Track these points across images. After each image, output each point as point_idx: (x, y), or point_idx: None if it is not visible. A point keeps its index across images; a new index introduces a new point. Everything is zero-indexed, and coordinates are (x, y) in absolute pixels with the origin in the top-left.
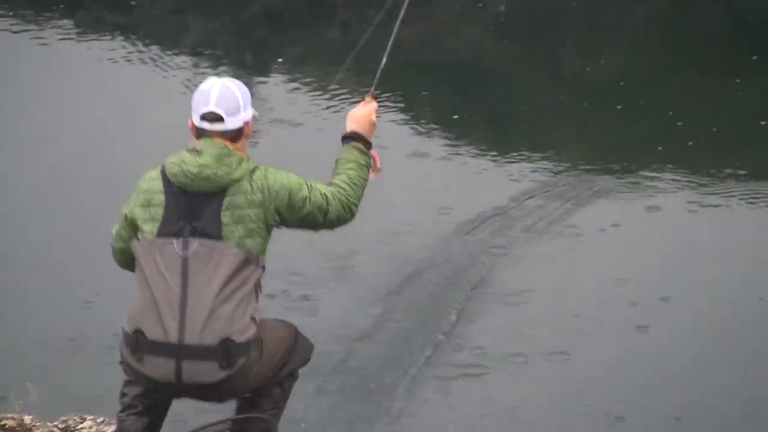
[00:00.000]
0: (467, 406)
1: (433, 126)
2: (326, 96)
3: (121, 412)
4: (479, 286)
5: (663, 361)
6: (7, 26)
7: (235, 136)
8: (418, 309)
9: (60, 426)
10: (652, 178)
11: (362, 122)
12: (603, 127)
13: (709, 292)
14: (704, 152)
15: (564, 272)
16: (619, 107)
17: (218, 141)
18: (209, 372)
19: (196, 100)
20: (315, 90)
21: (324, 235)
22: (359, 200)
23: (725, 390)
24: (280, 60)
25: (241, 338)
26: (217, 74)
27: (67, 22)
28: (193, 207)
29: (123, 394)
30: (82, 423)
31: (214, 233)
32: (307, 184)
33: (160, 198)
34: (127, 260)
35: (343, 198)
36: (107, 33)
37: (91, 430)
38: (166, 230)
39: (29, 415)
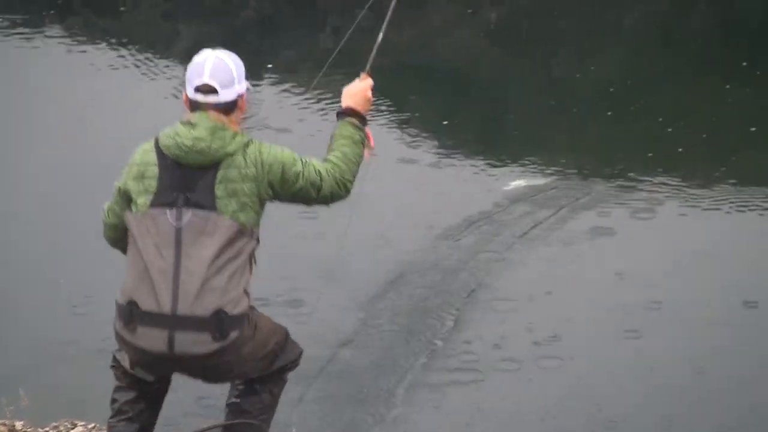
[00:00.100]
0: (461, 412)
1: (423, 131)
2: (316, 102)
3: (111, 418)
4: (469, 292)
5: (656, 367)
6: None
7: (229, 108)
8: (407, 315)
9: None
10: (642, 184)
11: (357, 98)
12: (593, 132)
13: (701, 296)
14: (695, 158)
15: (555, 278)
16: (609, 113)
17: (212, 114)
18: (202, 343)
19: (190, 72)
20: (305, 96)
21: (311, 240)
22: (354, 177)
23: (719, 394)
24: (269, 66)
25: (234, 311)
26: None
27: (57, 27)
28: (186, 179)
29: (114, 400)
30: (73, 429)
31: (208, 205)
32: (301, 159)
33: (154, 170)
34: (119, 236)
35: (337, 175)
36: (98, 38)
37: None
38: (160, 201)
39: (20, 420)
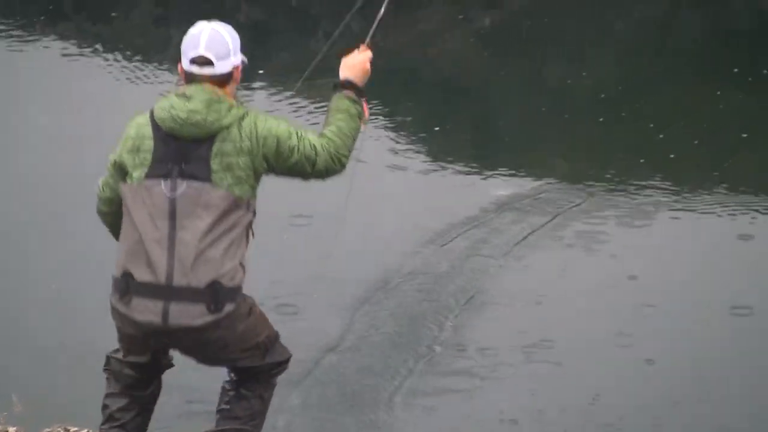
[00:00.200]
0: (453, 417)
1: (414, 136)
2: (308, 107)
3: (103, 424)
4: (462, 298)
5: (652, 371)
6: None
7: (224, 80)
8: (398, 320)
9: None
10: (634, 190)
11: (356, 70)
12: (585, 138)
13: (695, 300)
14: (686, 164)
15: (548, 283)
16: (601, 119)
17: (208, 87)
18: (196, 314)
19: (185, 44)
20: (297, 101)
21: (302, 245)
22: (349, 151)
23: (717, 397)
24: (261, 72)
25: (229, 283)
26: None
27: (49, 33)
28: (181, 151)
29: (105, 406)
30: None
31: (203, 176)
32: (297, 133)
33: (149, 144)
34: (114, 209)
35: (332, 150)
36: (90, 44)
37: None
38: (155, 173)
39: (13, 426)
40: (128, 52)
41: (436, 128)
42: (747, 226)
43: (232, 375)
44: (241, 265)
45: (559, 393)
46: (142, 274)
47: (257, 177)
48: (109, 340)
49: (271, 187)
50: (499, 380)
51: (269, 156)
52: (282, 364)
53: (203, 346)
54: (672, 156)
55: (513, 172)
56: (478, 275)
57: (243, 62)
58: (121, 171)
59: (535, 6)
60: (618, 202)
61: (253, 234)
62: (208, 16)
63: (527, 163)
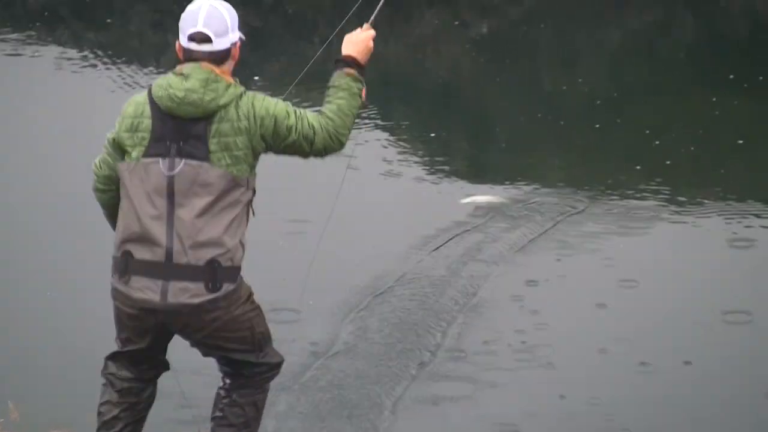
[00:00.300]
0: (451, 423)
1: (410, 143)
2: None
3: (98, 431)
4: (458, 304)
5: (651, 375)
6: None
7: (222, 58)
8: (394, 326)
9: None
10: (630, 197)
11: (360, 46)
12: (580, 145)
13: (691, 306)
14: (682, 171)
15: (545, 288)
16: (596, 125)
17: (205, 66)
18: (195, 292)
19: (183, 21)
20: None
21: (297, 250)
22: (348, 130)
23: (717, 401)
24: (256, 78)
25: (228, 263)
26: None
27: (45, 39)
28: (179, 130)
29: (100, 413)
30: None
31: (201, 155)
32: (295, 112)
33: (147, 123)
34: (110, 188)
35: (331, 129)
36: (86, 49)
37: None
38: (152, 151)
39: None
40: (124, 58)
41: (432, 134)
42: (743, 231)
43: (227, 381)
44: (242, 243)
45: (557, 398)
46: (141, 253)
47: (255, 156)
48: (107, 347)
49: (267, 192)
50: (496, 386)
51: (267, 136)
52: (274, 368)
53: (199, 325)
54: (668, 162)
55: (509, 178)
56: (474, 282)
57: (240, 39)
58: (118, 149)
59: (531, 13)
60: (614, 207)
61: (253, 212)
62: None
63: (523, 169)
